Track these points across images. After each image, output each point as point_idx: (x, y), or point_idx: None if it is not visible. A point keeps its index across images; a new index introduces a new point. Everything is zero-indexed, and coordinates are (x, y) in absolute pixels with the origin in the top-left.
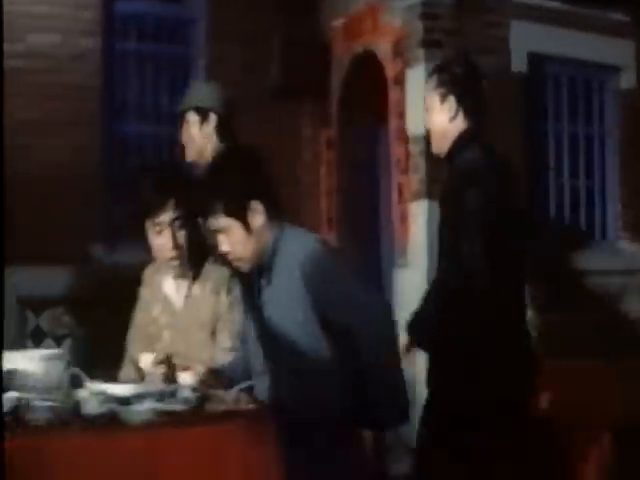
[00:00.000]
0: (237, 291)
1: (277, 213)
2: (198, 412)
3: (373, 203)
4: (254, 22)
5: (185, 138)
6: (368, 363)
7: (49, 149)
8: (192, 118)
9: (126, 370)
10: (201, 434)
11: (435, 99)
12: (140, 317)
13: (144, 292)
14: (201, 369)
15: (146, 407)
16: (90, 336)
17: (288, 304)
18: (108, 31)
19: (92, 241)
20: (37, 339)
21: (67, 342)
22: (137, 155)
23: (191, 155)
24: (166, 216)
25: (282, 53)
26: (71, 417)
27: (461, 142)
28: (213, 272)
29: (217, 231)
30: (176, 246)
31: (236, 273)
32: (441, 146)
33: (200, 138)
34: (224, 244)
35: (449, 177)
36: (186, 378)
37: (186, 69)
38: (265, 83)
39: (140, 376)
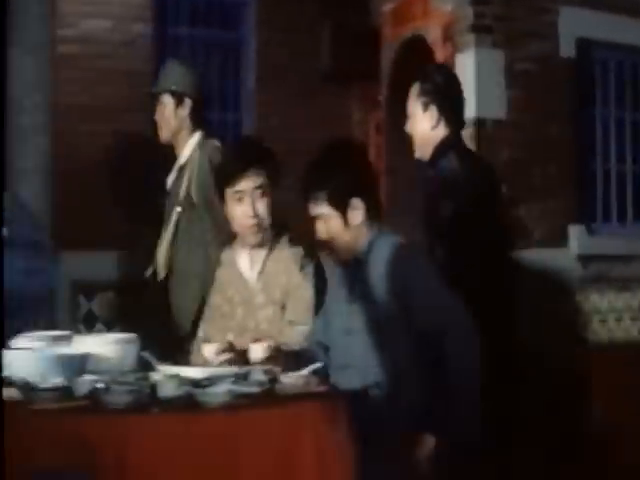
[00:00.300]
0: (309, 269)
1: (376, 215)
2: (271, 394)
3: None
4: (304, 6)
5: (159, 119)
6: (449, 367)
7: (101, 135)
8: (167, 100)
9: (198, 347)
10: (276, 416)
11: (418, 107)
12: (216, 299)
13: (220, 273)
14: (271, 344)
15: (223, 389)
16: (141, 321)
17: (376, 302)
18: (159, 16)
19: (146, 225)
20: (89, 324)
21: (118, 326)
22: None
23: (165, 136)
24: (247, 184)
25: (332, 37)
26: (148, 400)
27: (442, 149)
28: (287, 250)
29: (316, 217)
30: (256, 214)
31: (331, 264)
32: (424, 152)
33: (174, 121)
34: (321, 231)
35: (427, 185)
36: (257, 350)
37: (236, 54)
38: (315, 67)
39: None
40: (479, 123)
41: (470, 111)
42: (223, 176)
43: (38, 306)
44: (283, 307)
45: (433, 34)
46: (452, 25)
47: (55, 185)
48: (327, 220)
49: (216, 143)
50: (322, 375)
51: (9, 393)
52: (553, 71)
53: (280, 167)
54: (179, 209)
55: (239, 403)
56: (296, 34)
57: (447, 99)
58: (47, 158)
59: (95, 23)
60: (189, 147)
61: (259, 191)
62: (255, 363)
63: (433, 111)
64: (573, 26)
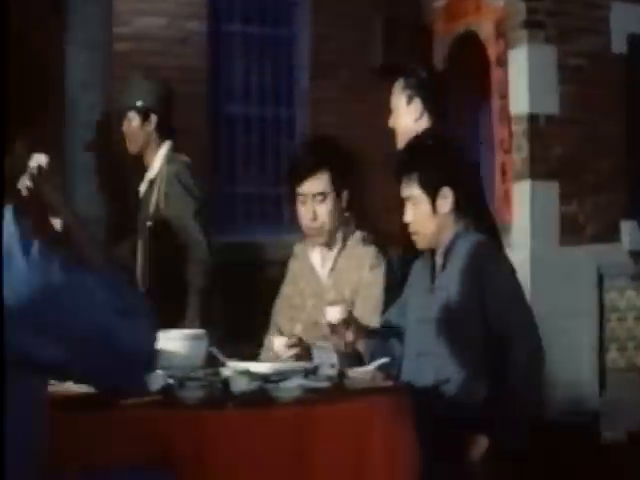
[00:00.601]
0: (382, 269)
1: (465, 210)
2: (340, 389)
3: None
4: (356, 3)
5: (126, 133)
6: (511, 371)
7: None
8: (132, 116)
9: (271, 339)
10: (347, 410)
11: (402, 100)
12: (287, 289)
13: (293, 265)
14: (347, 308)
15: (295, 384)
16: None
17: (452, 295)
18: (213, 14)
19: None
20: None
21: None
22: (243, 137)
23: (133, 150)
24: (308, 188)
25: (384, 33)
26: (222, 395)
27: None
28: (359, 248)
29: (406, 198)
30: (315, 219)
31: (416, 254)
32: None
33: (141, 136)
34: (409, 214)
35: None
36: (335, 311)
37: (289, 50)
38: (367, 64)
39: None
40: (532, 119)
41: (523, 107)
42: (289, 176)
43: None
44: (352, 304)
45: (485, 30)
46: (504, 21)
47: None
48: (416, 203)
49: (184, 158)
50: (389, 368)
51: (74, 389)
52: (604, 67)
53: (350, 168)
54: (149, 223)
55: (310, 398)
56: (348, 30)
57: (430, 92)
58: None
59: (149, 21)
60: (158, 160)
61: (320, 197)
62: (331, 325)
63: (417, 104)
64: (624, 22)
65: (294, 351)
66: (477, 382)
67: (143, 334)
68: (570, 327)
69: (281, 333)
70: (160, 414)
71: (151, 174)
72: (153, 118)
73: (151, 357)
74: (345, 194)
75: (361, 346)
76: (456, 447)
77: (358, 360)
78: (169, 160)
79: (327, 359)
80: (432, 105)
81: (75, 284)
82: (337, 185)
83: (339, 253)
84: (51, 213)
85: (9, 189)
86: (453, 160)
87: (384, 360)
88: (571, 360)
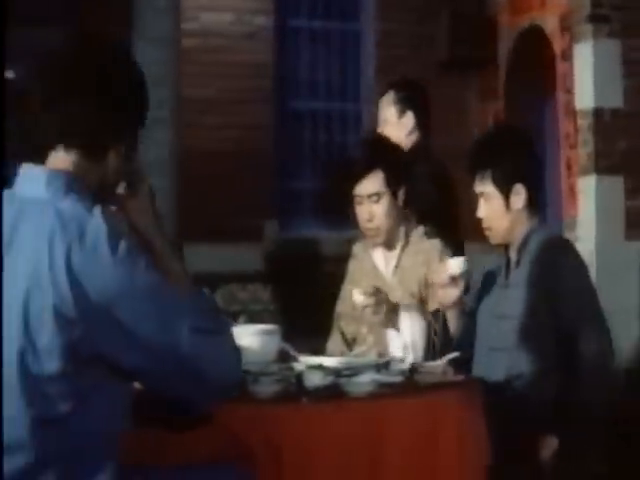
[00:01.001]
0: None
1: (537, 206)
2: (412, 383)
3: None
4: None
5: None
6: (585, 364)
7: (224, 127)
8: None
9: (334, 340)
10: (419, 404)
11: (393, 114)
12: (348, 289)
13: (353, 266)
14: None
15: (367, 379)
16: (264, 312)
17: (526, 292)
18: (280, 9)
19: (266, 218)
20: None
21: (242, 318)
22: (309, 132)
23: None
24: (364, 189)
25: (449, 27)
26: (295, 390)
27: (417, 153)
28: (423, 243)
29: (479, 194)
30: (370, 219)
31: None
32: None
33: None
34: (482, 210)
35: None
36: (458, 264)
37: (356, 45)
38: (433, 57)
39: (348, 346)
40: (597, 113)
41: (588, 101)
42: (345, 178)
43: None
44: (421, 300)
45: (550, 24)
46: (569, 15)
47: (178, 178)
48: (489, 199)
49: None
50: (459, 362)
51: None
52: None
53: (405, 165)
54: None
55: (383, 392)
56: (414, 24)
57: (422, 106)
58: (171, 151)
59: (216, 16)
60: None
61: (375, 197)
62: (453, 277)
63: (410, 117)
64: None
65: (371, 300)
66: (548, 379)
67: (227, 357)
68: (634, 322)
69: (344, 336)
70: (235, 409)
71: None
72: None
73: (233, 384)
74: (402, 192)
75: (453, 317)
76: (526, 446)
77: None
78: None
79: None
80: (422, 119)
81: (158, 287)
82: (392, 184)
83: (402, 250)
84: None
85: (109, 189)
86: (526, 156)
87: (455, 354)
88: (637, 356)
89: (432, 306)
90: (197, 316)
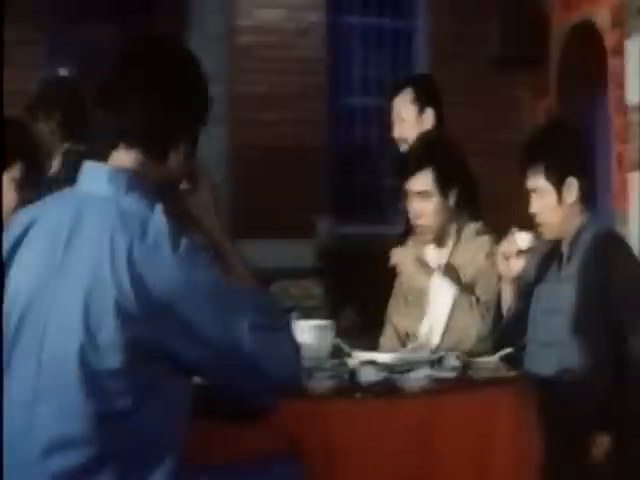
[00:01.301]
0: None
1: (589, 199)
2: (465, 379)
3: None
4: None
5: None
6: (632, 367)
7: (278, 123)
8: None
9: (387, 336)
10: (473, 400)
11: (412, 112)
12: (401, 288)
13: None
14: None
15: (421, 374)
16: (318, 308)
17: (579, 286)
18: (332, 5)
19: (320, 214)
20: None
21: (294, 314)
22: (362, 128)
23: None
24: (413, 185)
25: (501, 24)
26: (349, 385)
27: None
28: (473, 241)
29: (531, 190)
30: (417, 216)
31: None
32: None
33: (45, 137)
34: (534, 205)
35: None
36: (526, 238)
37: (408, 41)
38: (484, 53)
39: (401, 342)
40: None
41: (638, 96)
42: (397, 173)
43: None
44: (472, 291)
45: (602, 19)
46: (621, 10)
47: (233, 174)
48: (541, 195)
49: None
50: (509, 360)
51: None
52: None
53: (458, 165)
54: None
55: (436, 388)
56: (465, 21)
57: (437, 102)
58: (226, 147)
59: (269, 13)
60: (56, 161)
61: (423, 195)
62: (520, 250)
63: (429, 114)
64: None
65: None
66: (600, 375)
67: (286, 354)
68: None
69: (396, 331)
70: (288, 405)
71: (51, 172)
72: (56, 116)
73: (293, 380)
74: (454, 192)
75: (509, 293)
76: (577, 444)
77: None
78: (64, 164)
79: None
80: (439, 116)
81: (219, 284)
82: (443, 184)
83: (454, 247)
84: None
85: (170, 187)
86: (578, 150)
87: (508, 350)
88: None
89: (478, 292)
90: (258, 313)
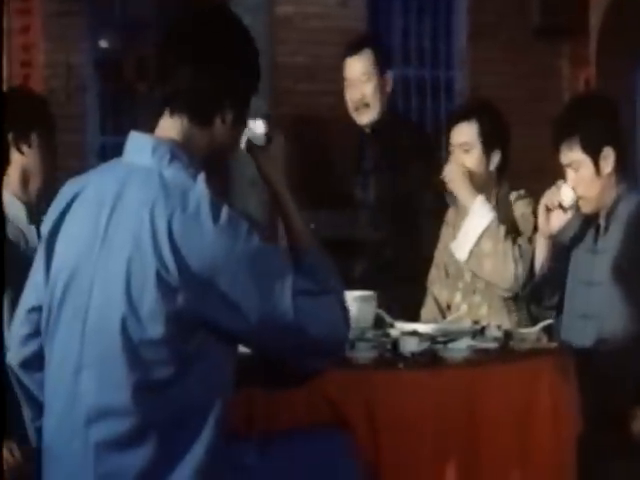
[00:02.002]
0: (530, 216)
1: (626, 170)
2: (507, 349)
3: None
4: None
5: None
6: None
7: (318, 94)
8: None
9: (428, 308)
10: (514, 370)
11: (374, 73)
12: (441, 256)
13: (445, 232)
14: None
15: (464, 345)
16: None
17: (617, 258)
18: None
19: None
20: None
21: None
22: (402, 98)
23: None
24: (456, 137)
25: None
26: (392, 356)
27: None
28: (505, 209)
29: (567, 165)
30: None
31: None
32: None
33: None
34: (570, 179)
35: None
36: (570, 193)
37: (448, 11)
38: (525, 24)
39: (441, 313)
40: None
41: None
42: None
43: None
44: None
45: None
46: None
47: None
48: (578, 167)
49: None
50: (550, 331)
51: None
52: None
53: (501, 128)
54: None
55: (478, 358)
56: None
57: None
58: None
59: None
60: None
61: (466, 147)
62: (562, 205)
63: (389, 76)
64: None
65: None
66: (639, 347)
67: (332, 317)
68: None
69: (437, 302)
70: (332, 375)
71: None
72: None
73: (339, 343)
74: (496, 155)
75: (544, 249)
76: (616, 416)
77: None
78: None
79: None
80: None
81: (260, 254)
82: (486, 139)
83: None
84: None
85: (218, 156)
86: (612, 119)
87: (549, 321)
88: None
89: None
90: (302, 278)
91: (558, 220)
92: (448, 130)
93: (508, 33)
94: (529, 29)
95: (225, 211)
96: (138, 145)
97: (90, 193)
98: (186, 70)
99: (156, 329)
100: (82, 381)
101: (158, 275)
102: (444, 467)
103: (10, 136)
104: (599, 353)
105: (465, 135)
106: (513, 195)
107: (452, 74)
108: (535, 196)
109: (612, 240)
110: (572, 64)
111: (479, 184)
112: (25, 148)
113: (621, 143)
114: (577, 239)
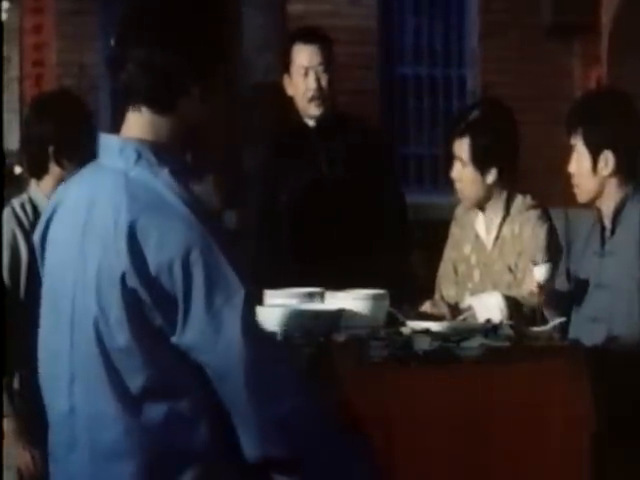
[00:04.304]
0: (542, 232)
1: (631, 171)
2: (520, 348)
3: None
4: None
5: None
6: None
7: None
8: None
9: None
10: (527, 369)
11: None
12: (450, 255)
13: (455, 230)
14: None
15: (476, 343)
16: None
17: (627, 260)
18: None
19: None
20: None
21: None
22: (414, 97)
23: None
24: (454, 150)
25: None
26: (405, 354)
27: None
28: (522, 214)
29: (572, 147)
30: (458, 181)
31: (547, 214)
32: None
33: None
34: (572, 165)
35: None
36: (543, 271)
37: (460, 10)
38: (536, 23)
39: (451, 312)
40: None
41: None
42: (446, 138)
43: None
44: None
45: None
46: None
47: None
48: (578, 156)
49: None
50: (562, 330)
51: None
52: None
53: (510, 129)
54: None
55: (491, 357)
56: None
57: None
58: None
59: None
60: None
61: (460, 162)
62: (539, 285)
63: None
64: None
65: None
66: None
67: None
68: None
69: (444, 300)
70: (345, 373)
71: None
72: None
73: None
74: (491, 171)
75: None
76: (629, 415)
77: None
78: None
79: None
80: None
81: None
82: (477, 158)
83: (503, 220)
84: None
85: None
86: (621, 122)
87: (561, 319)
88: None
89: (521, 274)
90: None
91: (541, 296)
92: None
93: (520, 32)
94: (541, 28)
95: (184, 207)
96: (107, 147)
97: (70, 199)
98: (134, 56)
99: (123, 336)
100: (75, 392)
101: (122, 280)
102: (457, 465)
103: (50, 149)
104: (608, 356)
105: (458, 150)
106: (520, 201)
107: (464, 73)
108: (546, 198)
109: (620, 242)
110: (583, 63)
111: (478, 198)
112: (66, 162)
113: (627, 147)
114: (583, 247)
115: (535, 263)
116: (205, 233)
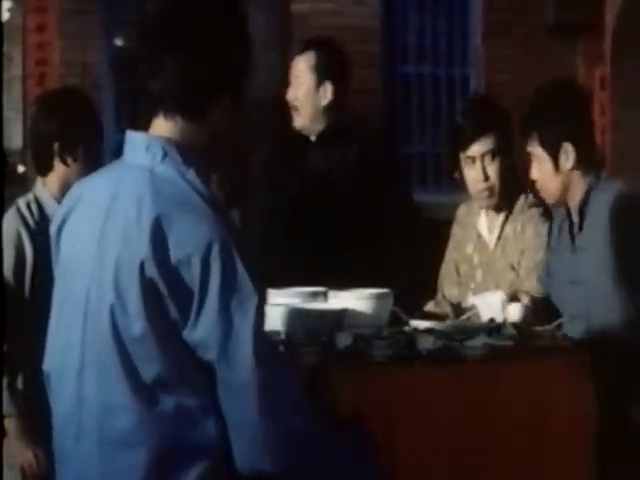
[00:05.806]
0: (543, 230)
1: (591, 162)
2: (523, 347)
3: None
4: None
5: None
6: None
7: None
8: None
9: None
10: (530, 368)
11: (310, 79)
12: (452, 255)
13: (457, 230)
14: (528, 303)
15: (480, 342)
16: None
17: (597, 254)
18: None
19: None
20: None
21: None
22: (417, 96)
23: None
24: (477, 149)
25: None
26: (408, 353)
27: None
28: (524, 213)
29: (531, 154)
30: (486, 179)
31: (549, 212)
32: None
33: None
34: (533, 171)
35: None
36: (515, 311)
37: (464, 9)
38: (540, 22)
39: (453, 311)
40: None
41: None
42: (454, 141)
43: None
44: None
45: None
46: None
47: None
48: (538, 161)
49: None
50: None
51: None
52: None
53: (512, 129)
54: None
55: (494, 356)
56: None
57: (340, 75)
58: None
59: None
60: None
61: (489, 155)
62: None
63: (328, 86)
64: None
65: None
66: (632, 341)
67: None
68: None
69: (445, 299)
70: (348, 373)
71: None
72: None
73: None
74: (510, 157)
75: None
76: (628, 413)
77: None
78: None
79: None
80: (342, 96)
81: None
82: (503, 146)
83: (506, 219)
84: None
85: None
86: (574, 113)
87: (562, 319)
88: None
89: (522, 274)
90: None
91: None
92: (464, 143)
93: (523, 31)
94: (544, 27)
95: (209, 207)
96: (133, 144)
97: (91, 195)
98: (173, 63)
99: (138, 325)
100: (85, 382)
101: (141, 268)
102: (460, 464)
103: (55, 146)
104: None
105: (487, 144)
106: (522, 200)
107: (467, 72)
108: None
109: (589, 237)
110: (587, 61)
111: (504, 190)
112: (70, 161)
113: (585, 137)
114: (555, 244)
115: (508, 302)
116: (225, 234)
